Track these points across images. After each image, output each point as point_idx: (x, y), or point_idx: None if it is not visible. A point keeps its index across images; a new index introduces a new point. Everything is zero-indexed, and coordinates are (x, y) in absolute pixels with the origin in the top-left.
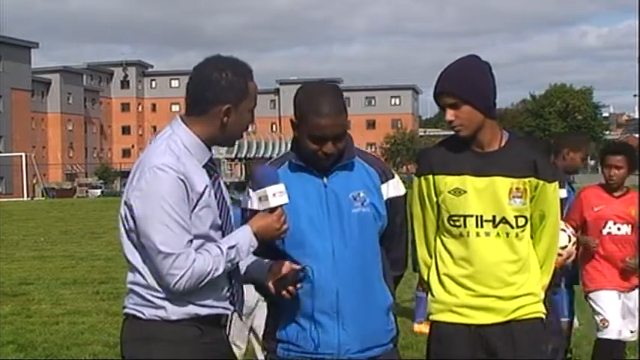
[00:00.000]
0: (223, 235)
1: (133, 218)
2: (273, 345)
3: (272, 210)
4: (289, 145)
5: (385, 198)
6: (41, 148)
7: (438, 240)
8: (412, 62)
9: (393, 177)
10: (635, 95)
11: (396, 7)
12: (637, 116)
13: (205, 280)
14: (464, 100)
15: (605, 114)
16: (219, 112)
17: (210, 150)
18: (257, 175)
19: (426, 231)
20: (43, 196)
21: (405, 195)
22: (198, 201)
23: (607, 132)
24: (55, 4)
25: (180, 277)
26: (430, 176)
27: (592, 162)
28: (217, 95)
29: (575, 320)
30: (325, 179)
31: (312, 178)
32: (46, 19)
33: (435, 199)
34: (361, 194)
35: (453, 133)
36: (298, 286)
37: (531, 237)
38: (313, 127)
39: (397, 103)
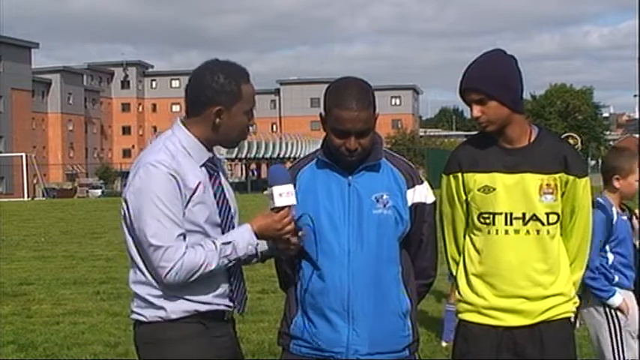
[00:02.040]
0: (223, 233)
1: (129, 214)
2: (287, 341)
3: (278, 210)
4: (289, 146)
5: (410, 203)
6: (41, 148)
7: (467, 238)
8: (415, 62)
9: (421, 183)
10: (635, 95)
11: (398, 8)
12: (637, 116)
13: (197, 274)
14: (490, 95)
15: (606, 114)
16: (210, 113)
17: (210, 150)
18: (269, 173)
19: (455, 229)
20: (43, 196)
21: (434, 203)
22: (191, 197)
23: (607, 132)
24: (56, 4)
25: (170, 269)
26: (459, 174)
27: (592, 162)
28: (209, 97)
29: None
30: (350, 178)
31: (336, 175)
32: (47, 19)
33: (464, 197)
34: (384, 196)
35: (455, 133)
36: (299, 234)
37: (561, 234)
38: (336, 121)
39: (397, 103)
